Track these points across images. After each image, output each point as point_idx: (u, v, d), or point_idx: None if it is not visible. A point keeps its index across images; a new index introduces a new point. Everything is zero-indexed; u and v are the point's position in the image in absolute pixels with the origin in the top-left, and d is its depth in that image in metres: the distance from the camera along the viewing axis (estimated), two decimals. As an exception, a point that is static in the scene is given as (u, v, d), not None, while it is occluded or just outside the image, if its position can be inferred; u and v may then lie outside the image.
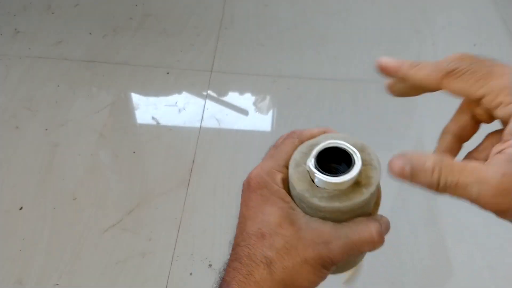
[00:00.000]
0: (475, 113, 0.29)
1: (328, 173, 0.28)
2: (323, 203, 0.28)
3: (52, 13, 1.32)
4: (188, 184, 0.98)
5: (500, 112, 0.25)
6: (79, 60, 1.21)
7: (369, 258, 1.00)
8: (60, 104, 1.12)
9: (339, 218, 0.30)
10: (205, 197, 0.97)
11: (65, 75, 1.18)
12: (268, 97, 1.17)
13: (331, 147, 0.29)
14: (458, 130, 0.29)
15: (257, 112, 1.13)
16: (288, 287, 0.27)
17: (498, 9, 1.36)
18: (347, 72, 1.21)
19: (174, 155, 1.04)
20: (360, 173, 0.29)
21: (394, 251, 0.89)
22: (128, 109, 1.13)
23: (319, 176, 0.28)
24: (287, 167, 0.30)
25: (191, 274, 0.87)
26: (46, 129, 1.07)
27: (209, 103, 1.14)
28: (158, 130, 1.09)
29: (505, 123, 0.25)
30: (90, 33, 1.27)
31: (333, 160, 0.30)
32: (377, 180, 0.29)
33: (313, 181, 0.29)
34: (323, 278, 0.28)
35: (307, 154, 0.30)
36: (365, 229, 0.29)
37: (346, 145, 0.29)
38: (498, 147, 0.25)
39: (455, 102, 0.30)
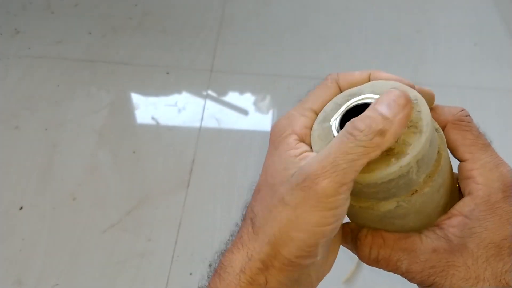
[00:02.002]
0: None
1: None
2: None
3: (52, 12, 1.32)
4: (188, 184, 0.98)
5: (465, 183, 0.25)
6: (78, 59, 1.21)
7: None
8: (60, 104, 1.12)
9: (364, 193, 0.23)
10: (205, 197, 0.97)
11: (65, 74, 1.18)
12: (268, 97, 1.16)
13: (364, 103, 0.23)
14: None
15: (257, 112, 1.13)
16: (273, 244, 0.23)
17: (499, 9, 1.35)
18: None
19: (174, 155, 1.03)
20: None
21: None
22: (128, 109, 1.13)
23: None
24: (315, 112, 0.26)
25: (191, 274, 0.87)
26: (45, 129, 1.07)
27: (209, 103, 1.13)
28: (157, 130, 1.09)
29: (461, 193, 0.26)
30: (89, 33, 1.27)
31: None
32: (418, 149, 0.22)
33: None
34: (328, 216, 0.22)
35: (340, 106, 0.24)
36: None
37: (370, 98, 0.23)
38: (442, 218, 0.25)
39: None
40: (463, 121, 0.26)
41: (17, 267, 0.87)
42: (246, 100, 1.15)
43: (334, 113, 0.24)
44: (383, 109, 0.22)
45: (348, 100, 0.24)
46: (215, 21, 1.31)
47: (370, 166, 0.22)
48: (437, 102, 0.28)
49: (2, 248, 0.89)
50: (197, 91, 1.16)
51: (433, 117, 0.26)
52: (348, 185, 0.22)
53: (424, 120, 0.23)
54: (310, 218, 0.22)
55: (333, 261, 0.28)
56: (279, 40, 1.27)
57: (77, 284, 0.86)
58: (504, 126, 1.07)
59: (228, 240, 0.27)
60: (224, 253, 0.26)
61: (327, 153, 0.22)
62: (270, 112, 1.13)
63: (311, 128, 0.25)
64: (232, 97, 1.16)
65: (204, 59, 1.22)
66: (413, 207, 0.24)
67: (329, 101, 0.25)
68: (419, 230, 0.26)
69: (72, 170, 1.00)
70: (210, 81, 1.17)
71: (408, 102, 0.22)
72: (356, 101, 0.24)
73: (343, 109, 0.23)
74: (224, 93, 1.16)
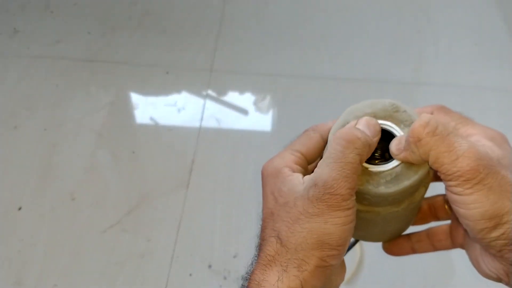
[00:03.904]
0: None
1: (374, 156, 0.27)
2: (392, 188, 0.26)
3: (51, 12, 1.31)
4: (188, 184, 0.98)
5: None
6: (78, 59, 1.20)
7: (369, 256, 0.99)
8: (59, 104, 1.11)
9: (413, 195, 0.28)
10: (204, 197, 0.96)
11: (64, 74, 1.17)
12: (268, 97, 1.16)
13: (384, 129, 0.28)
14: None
15: (257, 112, 1.13)
16: (306, 249, 0.26)
17: (500, 9, 1.35)
18: (348, 71, 1.20)
19: (173, 155, 1.03)
20: None
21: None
22: (127, 109, 1.13)
23: (378, 168, 0.27)
24: (302, 153, 0.30)
25: (190, 275, 0.87)
26: (44, 129, 1.06)
27: (209, 103, 1.13)
28: (157, 130, 1.08)
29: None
30: (89, 32, 1.26)
31: None
32: None
33: (366, 168, 0.27)
34: (349, 214, 0.26)
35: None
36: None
37: (381, 124, 0.28)
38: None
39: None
40: (445, 107, 0.30)
41: (16, 268, 0.87)
42: (246, 100, 1.15)
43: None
44: (363, 127, 0.27)
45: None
46: (215, 20, 1.30)
47: (411, 167, 0.27)
48: (437, 101, 0.32)
49: (1, 249, 0.89)
50: (196, 91, 1.16)
51: (418, 111, 0.30)
52: (355, 188, 0.26)
53: (413, 114, 0.28)
54: (337, 220, 0.26)
55: (345, 272, 0.31)
56: (279, 40, 1.27)
57: (76, 285, 0.86)
58: (504, 126, 1.06)
59: (251, 264, 0.28)
60: (253, 272, 0.27)
61: (334, 165, 0.26)
62: (270, 112, 1.13)
63: (299, 165, 0.29)
64: (232, 97, 1.15)
65: (203, 59, 1.21)
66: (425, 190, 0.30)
67: (311, 147, 0.30)
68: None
69: (71, 170, 1.00)
70: (210, 80, 1.17)
71: (380, 129, 0.28)
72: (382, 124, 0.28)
73: None
74: (224, 93, 1.16)
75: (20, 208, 0.94)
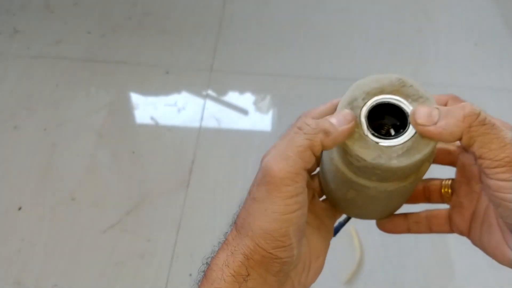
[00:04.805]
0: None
1: (379, 128, 0.27)
2: (404, 162, 0.26)
3: (51, 12, 1.32)
4: (188, 184, 0.98)
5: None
6: (78, 59, 1.20)
7: (370, 257, 0.99)
8: (59, 104, 1.11)
9: (419, 169, 0.28)
10: (204, 197, 0.96)
11: (64, 74, 1.17)
12: (268, 97, 1.16)
13: (378, 104, 0.28)
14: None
15: (257, 112, 1.13)
16: (251, 236, 0.25)
17: (499, 9, 1.35)
18: (348, 71, 1.20)
19: (173, 155, 1.03)
20: None
21: (395, 251, 0.89)
22: (127, 109, 1.13)
23: (389, 143, 0.26)
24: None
25: (190, 275, 0.87)
26: (44, 129, 1.06)
27: (209, 103, 1.13)
28: (157, 130, 1.08)
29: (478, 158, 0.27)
30: (89, 32, 1.26)
31: (377, 113, 0.28)
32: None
33: (377, 143, 0.26)
34: (291, 203, 0.24)
35: (368, 96, 0.28)
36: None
37: (389, 99, 0.28)
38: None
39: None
40: (458, 97, 0.31)
41: (16, 268, 0.87)
42: (246, 100, 1.15)
43: (361, 101, 0.28)
44: (333, 119, 0.26)
45: (375, 94, 0.28)
46: (215, 20, 1.30)
47: (422, 139, 0.26)
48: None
49: (1, 249, 0.89)
50: (196, 91, 1.16)
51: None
52: (302, 174, 0.25)
53: (421, 90, 0.28)
54: (276, 208, 0.24)
55: (317, 272, 0.30)
56: (279, 40, 1.27)
57: (76, 285, 0.86)
58: (504, 126, 1.07)
59: (214, 247, 0.28)
60: (211, 258, 0.27)
61: (279, 148, 0.25)
62: (270, 112, 1.13)
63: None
64: (232, 97, 1.15)
65: (203, 59, 1.21)
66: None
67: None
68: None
69: (71, 170, 1.00)
70: (210, 80, 1.17)
71: (353, 120, 0.26)
72: (371, 105, 0.28)
73: (363, 119, 0.27)
74: (224, 92, 1.16)
75: (20, 208, 0.94)
